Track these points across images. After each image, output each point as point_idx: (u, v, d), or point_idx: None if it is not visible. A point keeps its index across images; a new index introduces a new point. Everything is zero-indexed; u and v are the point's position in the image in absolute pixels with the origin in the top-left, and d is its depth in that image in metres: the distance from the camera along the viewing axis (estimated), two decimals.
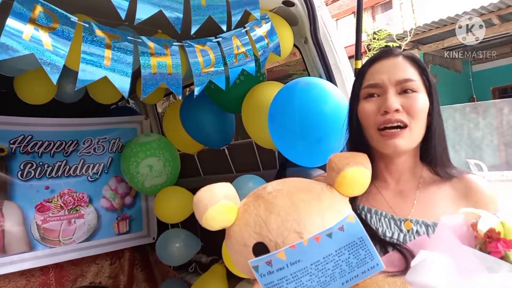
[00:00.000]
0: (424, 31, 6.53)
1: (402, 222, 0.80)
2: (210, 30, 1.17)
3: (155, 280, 2.40)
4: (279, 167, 1.71)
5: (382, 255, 0.74)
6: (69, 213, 2.13)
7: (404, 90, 0.81)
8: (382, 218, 0.81)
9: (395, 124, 0.79)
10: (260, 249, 0.66)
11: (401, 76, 0.81)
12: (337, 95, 1.28)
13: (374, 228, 0.80)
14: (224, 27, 1.13)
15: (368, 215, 0.82)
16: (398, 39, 6.57)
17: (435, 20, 6.14)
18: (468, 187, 0.83)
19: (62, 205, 2.11)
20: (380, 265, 0.64)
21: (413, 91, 0.81)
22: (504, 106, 6.27)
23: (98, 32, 1.00)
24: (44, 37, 0.86)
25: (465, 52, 7.34)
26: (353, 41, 1.61)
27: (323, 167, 1.35)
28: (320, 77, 1.52)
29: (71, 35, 0.93)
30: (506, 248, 0.59)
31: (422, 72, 0.84)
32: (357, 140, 0.86)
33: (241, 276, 1.61)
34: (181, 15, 1.03)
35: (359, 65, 1.46)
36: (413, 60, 0.85)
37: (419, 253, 0.64)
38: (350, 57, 1.59)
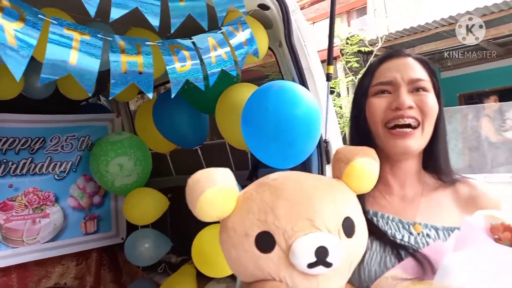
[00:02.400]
0: (396, 38, 6.73)
1: (411, 226, 0.77)
2: (187, 32, 1.17)
3: (123, 281, 2.35)
4: (251, 168, 1.73)
5: (394, 258, 0.71)
6: (34, 212, 2.05)
7: (416, 89, 0.80)
8: (390, 222, 0.78)
9: (407, 123, 0.77)
10: (264, 239, 0.58)
11: (414, 75, 0.80)
12: (309, 99, 1.31)
13: (383, 230, 0.76)
14: (205, 25, 1.13)
15: (375, 219, 0.79)
16: (370, 45, 6.73)
17: (406, 28, 6.34)
18: (473, 192, 0.83)
19: (27, 204, 2.03)
20: None
21: (425, 90, 0.80)
22: (469, 112, 6.56)
23: (66, 30, 0.97)
24: (9, 33, 0.84)
25: (434, 59, 7.63)
26: (326, 45, 1.64)
27: (294, 169, 1.38)
28: (293, 80, 1.54)
29: (38, 31, 0.90)
30: None
31: (432, 74, 0.83)
32: (363, 138, 0.83)
33: (211, 276, 1.61)
34: (158, 13, 1.02)
35: (331, 70, 1.50)
36: (423, 62, 0.84)
37: (448, 255, 0.59)
38: (324, 61, 1.63)
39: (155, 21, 1.02)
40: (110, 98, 1.00)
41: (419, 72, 0.81)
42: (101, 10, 0.92)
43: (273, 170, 1.49)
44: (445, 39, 6.61)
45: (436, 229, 0.76)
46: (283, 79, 1.64)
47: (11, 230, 1.98)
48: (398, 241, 0.74)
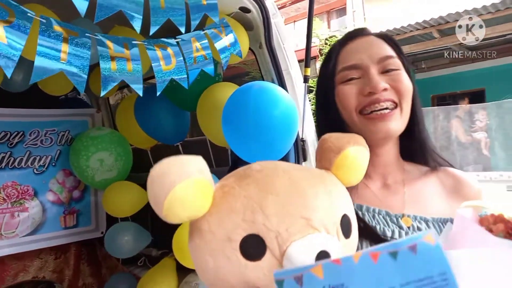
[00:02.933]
0: None
1: (399, 218, 0.71)
2: (168, 30, 1.21)
3: (103, 275, 2.37)
4: (231, 164, 1.79)
5: None
6: (12, 206, 2.05)
7: (386, 69, 0.74)
8: (376, 215, 0.72)
9: (384, 107, 0.71)
10: (252, 244, 0.47)
11: (382, 53, 0.74)
12: (287, 99, 1.38)
13: (371, 226, 0.69)
14: (183, 30, 1.18)
15: (360, 213, 0.71)
16: None
17: (382, 31, 6.56)
18: (457, 181, 0.79)
19: (5, 197, 2.02)
20: None
21: (397, 69, 0.74)
22: (440, 113, 6.85)
23: (56, 28, 1.01)
24: None
25: (408, 61, 7.86)
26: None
27: None
28: (273, 81, 1.62)
29: (28, 30, 0.94)
30: None
31: (399, 50, 0.78)
32: (335, 129, 0.69)
33: (192, 268, 1.67)
34: (141, 17, 1.07)
35: (308, 72, 1.58)
36: (387, 38, 0.78)
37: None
38: (300, 61, 1.70)
39: (137, 23, 1.07)
40: (101, 95, 1.04)
41: (387, 49, 0.75)
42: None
43: None
44: (420, 42, 6.86)
45: (426, 221, 0.71)
46: (262, 78, 1.71)
47: None
48: (389, 239, 0.68)
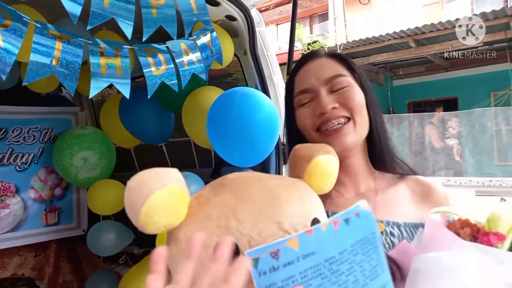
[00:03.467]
0: (353, 47, 7.14)
1: None
2: (158, 36, 1.27)
3: (83, 272, 2.38)
4: (214, 165, 1.85)
5: None
6: None
7: (335, 88, 0.79)
8: None
9: (336, 123, 0.77)
10: None
11: (329, 74, 0.79)
12: (270, 105, 1.46)
13: None
14: (175, 37, 1.24)
15: None
16: None
17: (362, 38, 6.75)
18: (426, 188, 0.83)
19: None
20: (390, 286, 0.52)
21: (345, 86, 0.79)
22: (415, 120, 7.11)
23: (50, 32, 1.05)
24: None
25: (386, 68, 8.13)
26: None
27: (254, 168, 1.52)
28: (256, 86, 1.69)
29: (23, 34, 0.98)
30: (498, 240, 0.54)
31: (350, 66, 0.83)
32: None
33: None
34: (132, 23, 1.12)
35: None
36: (337, 57, 0.83)
37: (405, 252, 0.59)
38: (283, 64, 1.77)
39: (128, 29, 1.11)
40: (90, 96, 1.08)
41: (335, 69, 0.81)
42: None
43: (235, 168, 1.65)
44: (397, 50, 7.10)
45: (399, 226, 0.75)
46: (246, 84, 1.78)
47: None
48: None
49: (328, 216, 0.65)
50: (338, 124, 0.77)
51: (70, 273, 2.39)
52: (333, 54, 0.84)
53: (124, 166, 2.37)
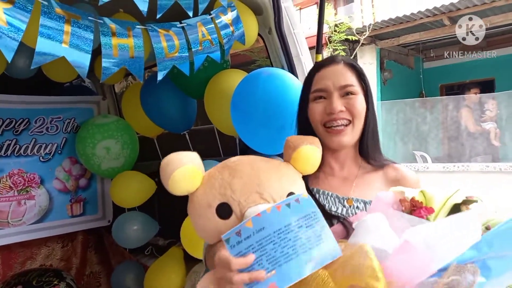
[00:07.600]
0: (382, 27, 6.78)
1: (345, 200, 0.97)
2: (174, 15, 1.17)
3: (110, 263, 2.37)
4: (239, 153, 1.75)
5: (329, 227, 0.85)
6: (19, 194, 2.04)
7: (346, 93, 0.97)
8: (329, 197, 0.98)
9: (339, 124, 0.95)
10: (223, 209, 0.74)
11: (343, 82, 0.97)
12: (298, 86, 1.34)
13: (322, 204, 0.96)
14: (190, 13, 1.13)
15: (317, 195, 0.98)
16: (357, 33, 6.77)
17: (392, 17, 6.40)
18: (399, 174, 1.02)
19: (12, 185, 2.02)
20: (336, 249, 0.69)
21: (353, 94, 0.97)
22: (449, 103, 6.73)
23: (58, 11, 0.97)
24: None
25: (417, 49, 7.74)
26: (315, 32, 1.67)
27: (282, 155, 1.41)
28: (282, 67, 1.57)
29: (29, 13, 0.90)
30: (428, 213, 0.74)
31: (360, 76, 1.00)
32: (307, 135, 0.95)
33: (199, 258, 1.65)
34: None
35: (320, 59, 1.53)
36: (352, 66, 1.00)
37: (359, 218, 0.77)
38: (311, 48, 1.65)
39: (143, 6, 1.02)
40: (101, 81, 1.00)
41: (348, 77, 0.98)
42: None
43: (262, 155, 1.53)
44: (429, 29, 6.71)
45: (365, 203, 0.96)
46: (271, 65, 1.66)
47: None
48: (333, 213, 0.94)
49: (312, 192, 0.98)
50: (341, 125, 0.96)
51: (97, 263, 2.39)
52: (349, 63, 1.01)
53: (148, 156, 2.32)
